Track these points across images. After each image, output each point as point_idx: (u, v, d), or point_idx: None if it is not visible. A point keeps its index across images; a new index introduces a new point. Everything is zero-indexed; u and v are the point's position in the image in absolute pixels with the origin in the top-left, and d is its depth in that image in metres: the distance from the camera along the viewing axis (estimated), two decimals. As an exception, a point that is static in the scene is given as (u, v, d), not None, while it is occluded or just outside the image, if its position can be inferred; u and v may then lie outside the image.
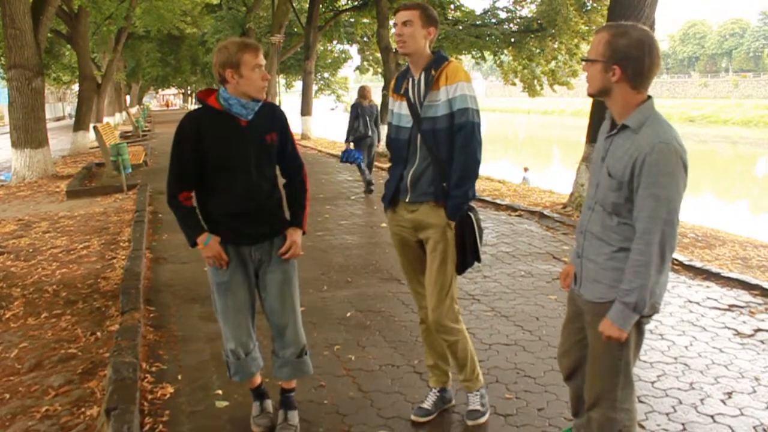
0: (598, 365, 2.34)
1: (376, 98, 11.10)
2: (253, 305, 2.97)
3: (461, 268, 2.94)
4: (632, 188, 2.12)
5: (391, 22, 16.84)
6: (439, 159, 2.87)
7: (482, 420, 3.10)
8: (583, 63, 2.24)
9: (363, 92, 9.95)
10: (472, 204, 2.93)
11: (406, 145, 2.93)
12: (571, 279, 2.49)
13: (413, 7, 2.86)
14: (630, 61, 2.10)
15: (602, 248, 2.27)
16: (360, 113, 9.72)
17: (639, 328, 2.27)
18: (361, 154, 9.47)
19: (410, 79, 2.95)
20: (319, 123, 26.83)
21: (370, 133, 9.72)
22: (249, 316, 2.95)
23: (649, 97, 2.18)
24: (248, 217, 2.83)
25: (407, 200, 2.97)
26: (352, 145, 9.64)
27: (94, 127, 13.27)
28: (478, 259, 2.96)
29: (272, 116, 2.88)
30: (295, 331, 2.99)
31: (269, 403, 3.15)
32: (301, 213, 3.01)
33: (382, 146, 10.60)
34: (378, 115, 10.08)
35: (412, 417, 3.11)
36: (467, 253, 2.89)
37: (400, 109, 2.99)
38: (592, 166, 2.38)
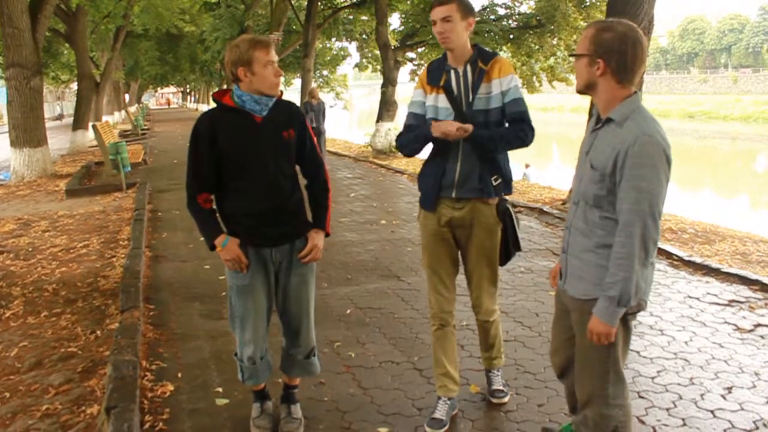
0: (586, 364, 2.33)
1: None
2: (270, 308, 2.92)
3: (505, 260, 3.03)
4: (614, 181, 2.12)
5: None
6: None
7: (506, 399, 3.27)
8: (572, 59, 2.25)
9: (312, 93, 12.61)
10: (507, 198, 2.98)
11: (447, 139, 2.84)
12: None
13: (449, 1, 2.79)
14: (613, 54, 2.10)
15: (586, 243, 2.26)
16: (309, 110, 11.96)
17: (626, 325, 2.27)
18: None
19: (451, 72, 2.89)
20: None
21: (316, 125, 11.69)
22: (266, 319, 2.91)
23: (635, 92, 2.18)
24: (268, 218, 2.76)
25: (453, 196, 2.91)
26: None
27: (93, 126, 13.26)
28: (519, 248, 3.02)
29: (289, 113, 2.82)
30: (307, 333, 2.98)
31: (270, 405, 3.13)
32: (323, 214, 2.94)
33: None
34: (324, 110, 12.40)
35: (427, 429, 2.99)
36: (510, 244, 2.97)
37: (436, 101, 2.91)
38: (578, 161, 2.38)
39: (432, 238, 3.03)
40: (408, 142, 3.01)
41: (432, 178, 2.95)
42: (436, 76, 2.93)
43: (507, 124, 2.91)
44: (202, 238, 2.86)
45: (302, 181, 2.96)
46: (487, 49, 2.95)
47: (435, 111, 2.92)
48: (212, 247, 2.78)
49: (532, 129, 2.88)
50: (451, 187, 2.90)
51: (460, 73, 2.88)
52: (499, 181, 2.91)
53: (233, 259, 2.74)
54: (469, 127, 2.76)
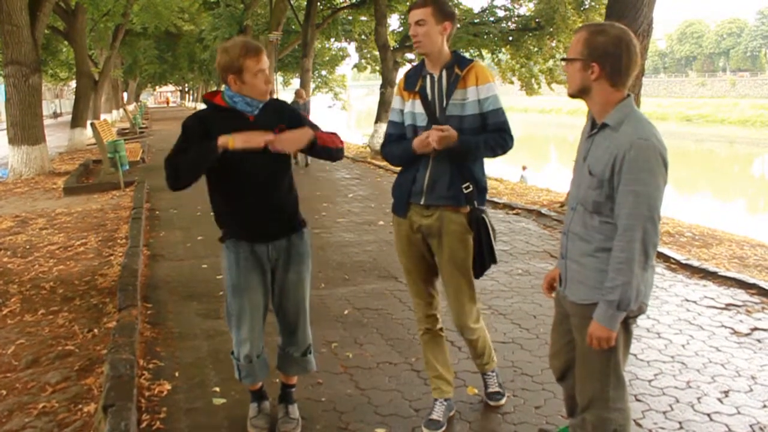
0: (587, 368, 2.33)
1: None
2: (266, 307, 2.92)
3: (480, 271, 2.90)
4: (613, 186, 2.11)
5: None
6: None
7: (503, 401, 3.25)
8: (563, 63, 2.23)
9: (298, 93, 13.83)
10: (483, 207, 2.88)
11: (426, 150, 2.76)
12: (555, 284, 2.49)
13: (424, 4, 2.72)
14: (608, 57, 2.09)
15: (585, 248, 2.25)
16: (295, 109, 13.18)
17: (626, 328, 2.27)
18: None
19: (427, 77, 2.84)
20: (317, 121, 26.83)
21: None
22: (262, 318, 2.91)
23: (629, 95, 2.18)
24: (264, 214, 2.77)
25: (422, 203, 2.84)
26: None
27: (92, 124, 13.26)
28: (495, 261, 2.91)
29: (280, 111, 2.83)
30: (304, 330, 2.99)
31: (267, 405, 3.13)
32: (323, 133, 2.81)
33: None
34: (309, 110, 13.29)
35: (424, 430, 2.98)
36: (485, 255, 2.85)
37: (413, 107, 2.86)
38: (575, 166, 2.37)
39: (406, 242, 2.99)
40: (394, 156, 2.97)
41: (403, 184, 2.92)
42: (412, 82, 2.89)
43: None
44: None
45: (299, 181, 2.96)
46: (466, 55, 2.90)
47: (413, 117, 2.87)
48: (215, 150, 2.57)
49: (511, 138, 2.84)
50: (420, 193, 2.84)
51: (436, 78, 2.83)
52: (471, 188, 2.81)
53: (249, 139, 2.58)
54: (447, 127, 2.67)
